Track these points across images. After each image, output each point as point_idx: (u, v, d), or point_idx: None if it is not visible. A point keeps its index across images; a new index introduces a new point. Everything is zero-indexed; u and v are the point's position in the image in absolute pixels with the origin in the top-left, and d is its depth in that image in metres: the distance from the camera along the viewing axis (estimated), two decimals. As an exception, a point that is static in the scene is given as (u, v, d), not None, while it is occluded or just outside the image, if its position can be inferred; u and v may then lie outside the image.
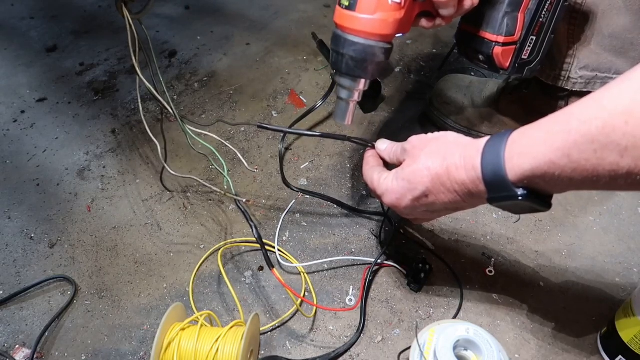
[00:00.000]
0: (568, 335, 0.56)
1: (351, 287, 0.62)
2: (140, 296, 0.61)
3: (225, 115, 0.91)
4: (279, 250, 0.66)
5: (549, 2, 0.56)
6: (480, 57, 0.60)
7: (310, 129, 0.87)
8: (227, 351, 0.48)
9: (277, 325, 0.58)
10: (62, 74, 1.04)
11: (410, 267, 0.62)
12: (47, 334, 0.57)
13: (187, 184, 0.77)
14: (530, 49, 0.59)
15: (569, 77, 0.69)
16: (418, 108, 0.91)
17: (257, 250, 0.66)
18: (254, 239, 0.59)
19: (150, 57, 0.59)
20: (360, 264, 0.65)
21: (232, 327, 0.50)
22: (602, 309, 0.59)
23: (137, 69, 0.56)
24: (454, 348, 0.45)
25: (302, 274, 0.63)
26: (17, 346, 0.56)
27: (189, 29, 1.19)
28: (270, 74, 1.02)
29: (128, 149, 0.84)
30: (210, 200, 0.74)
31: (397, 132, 0.87)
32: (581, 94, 0.70)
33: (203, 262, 0.65)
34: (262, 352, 0.56)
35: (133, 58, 0.56)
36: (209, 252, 0.66)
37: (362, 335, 0.57)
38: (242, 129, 0.88)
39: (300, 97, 0.96)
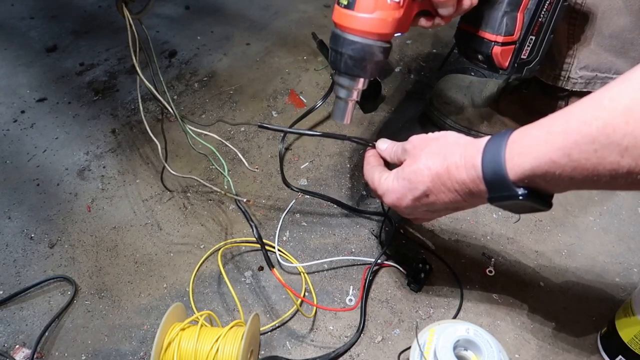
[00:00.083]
0: (568, 335, 0.56)
1: (351, 287, 0.62)
2: (140, 296, 0.61)
3: (225, 115, 0.91)
4: (279, 250, 0.66)
5: (548, 2, 0.56)
6: (480, 56, 0.60)
7: (310, 129, 0.87)
8: (227, 351, 0.48)
9: (277, 325, 0.58)
10: (62, 74, 1.04)
11: (410, 267, 0.62)
12: (47, 334, 0.57)
13: (187, 184, 0.77)
14: (529, 48, 0.59)
15: (569, 77, 0.69)
16: (418, 108, 0.91)
17: (257, 250, 0.66)
18: (254, 239, 0.59)
19: (151, 57, 0.59)
20: (360, 264, 0.65)
21: (232, 327, 0.50)
22: (602, 309, 0.59)
23: (138, 68, 0.56)
24: (454, 348, 0.45)
25: (302, 274, 0.63)
26: (17, 346, 0.56)
27: (189, 29, 1.19)
28: (270, 74, 1.02)
29: (128, 149, 0.84)
30: (211, 200, 0.74)
31: (397, 132, 0.87)
32: (581, 94, 0.70)
33: (203, 262, 0.65)
34: (262, 352, 0.56)
35: (133, 58, 0.56)
36: (209, 252, 0.66)
37: (362, 335, 0.57)
38: (242, 128, 0.88)
39: (300, 97, 0.96)
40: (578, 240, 0.67)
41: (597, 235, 0.68)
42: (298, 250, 0.67)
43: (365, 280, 0.61)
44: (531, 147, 0.36)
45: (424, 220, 0.67)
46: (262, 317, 0.59)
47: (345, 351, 0.55)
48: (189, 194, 0.75)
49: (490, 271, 0.64)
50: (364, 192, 0.75)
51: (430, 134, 0.49)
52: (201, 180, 0.70)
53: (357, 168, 0.79)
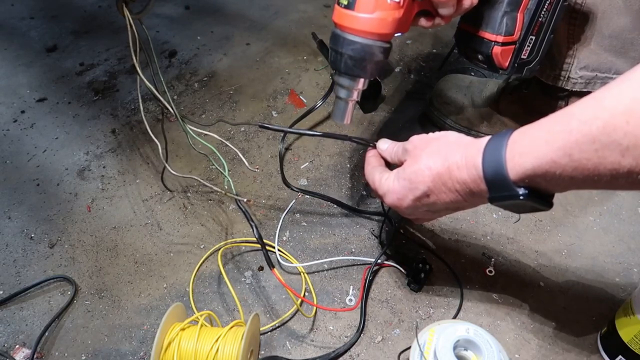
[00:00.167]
0: (568, 335, 0.56)
1: (351, 287, 0.62)
2: (140, 296, 0.61)
3: (225, 115, 0.91)
4: (279, 250, 0.66)
5: (548, 2, 0.56)
6: (480, 56, 0.60)
7: (310, 129, 0.87)
8: (227, 351, 0.48)
9: (277, 325, 0.58)
10: (62, 74, 1.04)
11: (410, 267, 0.62)
12: (47, 334, 0.57)
13: (188, 184, 0.77)
14: (529, 48, 0.59)
15: (569, 77, 0.69)
16: (418, 108, 0.91)
17: (257, 250, 0.66)
18: (254, 238, 0.59)
19: (151, 57, 0.59)
20: (360, 264, 0.65)
21: (232, 327, 0.50)
22: (602, 309, 0.59)
23: (138, 68, 0.56)
24: (454, 348, 0.45)
25: (302, 274, 0.63)
26: (17, 346, 0.56)
27: (189, 29, 1.19)
28: (270, 74, 1.02)
29: (128, 149, 0.84)
30: (211, 200, 0.74)
31: (397, 132, 0.87)
32: (581, 94, 0.70)
33: (203, 262, 0.65)
34: (262, 352, 0.55)
35: (133, 58, 0.56)
36: (209, 252, 0.66)
37: (362, 335, 0.57)
38: (242, 128, 0.88)
39: (300, 97, 0.96)
40: (578, 240, 0.67)
41: (597, 235, 0.68)
42: (298, 250, 0.67)
43: (365, 280, 0.61)
44: (532, 147, 0.36)
45: (425, 221, 0.67)
46: (262, 317, 0.59)
47: (345, 351, 0.55)
48: (189, 194, 0.75)
49: (490, 271, 0.64)
50: (364, 192, 0.75)
51: (430, 134, 0.49)
52: (201, 180, 0.70)
53: (357, 168, 0.79)
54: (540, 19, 0.57)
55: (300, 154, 0.82)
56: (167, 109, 0.60)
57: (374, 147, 0.57)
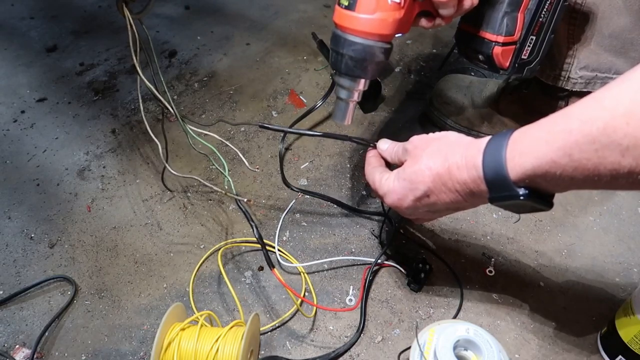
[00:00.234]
0: (568, 335, 0.56)
1: (351, 287, 0.62)
2: (140, 296, 0.61)
3: (225, 115, 0.91)
4: (279, 250, 0.66)
5: (548, 2, 0.56)
6: (480, 57, 0.60)
7: (310, 129, 0.87)
8: (227, 351, 0.48)
9: (277, 325, 0.58)
10: (62, 74, 1.04)
11: (410, 267, 0.62)
12: (47, 334, 0.57)
13: (188, 184, 0.77)
14: (530, 48, 0.59)
15: (569, 77, 0.69)
16: (418, 108, 0.91)
17: (257, 250, 0.66)
18: (254, 238, 0.59)
19: (151, 57, 0.59)
20: (360, 264, 0.65)
21: (232, 327, 0.50)
22: (602, 309, 0.59)
23: (138, 68, 0.56)
24: (454, 348, 0.45)
25: (302, 274, 0.63)
26: (17, 346, 0.56)
27: (189, 29, 1.19)
28: (270, 74, 1.02)
29: (128, 149, 0.84)
30: (211, 200, 0.74)
31: (397, 132, 0.87)
32: (581, 94, 0.70)
33: (203, 262, 0.65)
34: (262, 352, 0.55)
35: (134, 58, 0.56)
36: (209, 252, 0.66)
37: (362, 335, 0.57)
38: (242, 128, 0.88)
39: (300, 97, 0.96)
40: (578, 240, 0.68)
41: (597, 235, 0.68)
42: (298, 250, 0.67)
43: (365, 280, 0.61)
44: (532, 147, 0.36)
45: (425, 221, 0.67)
46: (262, 317, 0.59)
47: (345, 351, 0.55)
48: (189, 194, 0.75)
49: (490, 271, 0.64)
50: (364, 192, 0.75)
51: (431, 134, 0.49)
52: (201, 180, 0.70)
53: (357, 168, 0.79)
54: (540, 19, 0.57)
55: (300, 154, 0.82)
56: (167, 109, 0.60)
57: (374, 147, 0.57)
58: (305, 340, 0.57)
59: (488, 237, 0.68)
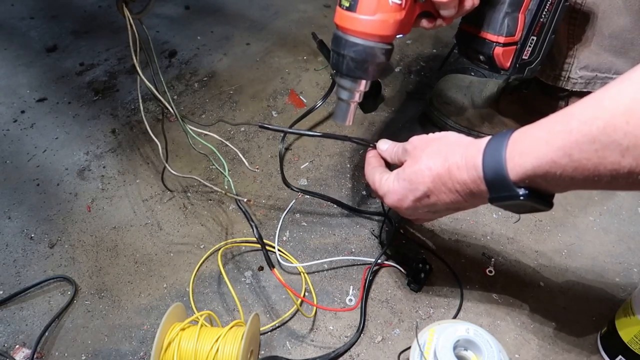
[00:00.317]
0: (568, 335, 0.56)
1: (351, 287, 0.62)
2: (140, 296, 0.61)
3: (225, 115, 0.91)
4: (279, 250, 0.66)
5: (549, 3, 0.56)
6: (481, 57, 0.60)
7: (310, 129, 0.87)
8: (227, 351, 0.48)
9: (277, 325, 0.58)
10: (62, 74, 1.04)
11: (410, 267, 0.62)
12: (47, 334, 0.57)
13: (188, 184, 0.77)
14: (530, 49, 0.59)
15: (569, 77, 0.69)
16: (418, 108, 0.91)
17: (257, 250, 0.66)
18: (254, 238, 0.59)
19: (151, 57, 0.59)
20: (360, 264, 0.65)
21: (232, 327, 0.50)
22: (602, 309, 0.59)
23: (138, 68, 0.56)
24: (454, 348, 0.45)
25: (302, 274, 0.63)
26: (17, 346, 0.56)
27: (189, 29, 1.19)
28: (270, 74, 1.02)
29: (128, 149, 0.84)
30: (211, 200, 0.74)
31: (398, 132, 0.87)
32: (581, 94, 0.70)
33: (203, 262, 0.65)
34: (262, 352, 0.56)
35: (134, 58, 0.56)
36: (209, 252, 0.66)
37: (362, 335, 0.57)
38: (242, 128, 0.88)
39: (300, 97, 0.96)
40: (578, 240, 0.68)
41: (597, 235, 0.68)
42: (298, 250, 0.67)
43: (365, 280, 0.61)
44: (532, 147, 0.36)
45: (425, 221, 0.67)
46: (262, 317, 0.59)
47: (345, 351, 0.55)
48: (189, 194, 0.75)
49: (490, 271, 0.64)
50: (364, 192, 0.75)
51: (430, 134, 0.49)
52: (201, 180, 0.70)
53: (357, 168, 0.79)
54: (541, 20, 0.57)
55: (300, 154, 0.82)
56: (167, 109, 0.60)
57: (374, 147, 0.57)
58: (305, 340, 0.57)
59: (488, 237, 0.68)
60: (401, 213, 0.51)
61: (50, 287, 0.63)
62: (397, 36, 0.50)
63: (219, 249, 0.65)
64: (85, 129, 0.89)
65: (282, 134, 0.83)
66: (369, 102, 0.72)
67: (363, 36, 0.49)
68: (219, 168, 0.78)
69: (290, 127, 0.83)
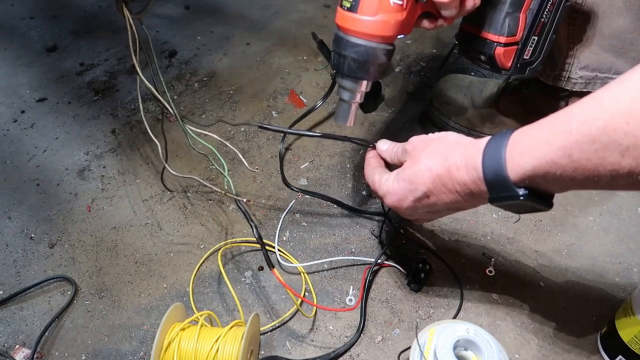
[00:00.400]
0: (568, 335, 0.56)
1: (351, 287, 0.62)
2: (140, 296, 0.61)
3: (225, 115, 0.91)
4: (279, 250, 0.66)
5: (550, 2, 0.56)
6: (482, 57, 0.60)
7: (310, 129, 0.87)
8: (227, 351, 0.48)
9: (277, 325, 0.58)
10: (62, 74, 1.04)
11: (410, 267, 0.62)
12: (47, 334, 0.57)
13: (188, 184, 0.77)
14: (532, 49, 0.59)
15: (569, 77, 0.69)
16: (418, 108, 0.91)
17: (257, 250, 0.66)
18: (254, 238, 0.59)
19: (151, 57, 0.59)
20: (360, 264, 0.65)
21: (232, 327, 0.50)
22: (602, 309, 0.59)
23: (138, 68, 0.56)
24: (454, 348, 0.45)
25: (302, 274, 0.63)
26: (17, 346, 0.56)
27: (189, 29, 1.19)
28: (270, 74, 1.02)
29: (128, 149, 0.84)
30: (211, 200, 0.74)
31: (398, 132, 0.87)
32: (581, 94, 0.70)
33: (203, 262, 0.65)
34: (262, 352, 0.56)
35: (133, 58, 0.56)
36: (209, 252, 0.66)
37: (362, 335, 0.57)
38: (242, 129, 0.88)
39: (300, 97, 0.96)
40: (578, 240, 0.68)
41: (597, 235, 0.68)
42: (298, 250, 0.67)
43: (365, 280, 0.61)
44: (532, 147, 0.36)
45: (425, 221, 0.67)
46: (262, 317, 0.59)
47: (345, 351, 0.55)
48: (189, 194, 0.75)
49: (490, 271, 0.64)
50: (364, 192, 0.75)
51: (430, 134, 0.49)
52: (201, 180, 0.70)
53: (357, 168, 0.79)
54: (542, 20, 0.57)
55: (300, 154, 0.82)
56: (167, 109, 0.60)
57: (374, 147, 0.57)
58: (305, 340, 0.57)
59: (488, 237, 0.68)
60: (401, 213, 0.51)
61: (50, 287, 0.63)
62: (398, 36, 0.50)
63: (219, 249, 0.65)
64: (85, 129, 0.89)
65: (282, 134, 0.82)
66: (369, 102, 0.72)
67: (364, 37, 0.49)
68: (218, 168, 0.78)
69: (290, 127, 0.83)
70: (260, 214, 0.72)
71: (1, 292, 0.62)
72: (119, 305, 0.60)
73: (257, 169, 0.80)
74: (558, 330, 0.57)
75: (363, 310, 0.58)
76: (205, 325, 0.51)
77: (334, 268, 0.64)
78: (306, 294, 0.61)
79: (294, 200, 0.73)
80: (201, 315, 0.51)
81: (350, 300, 0.61)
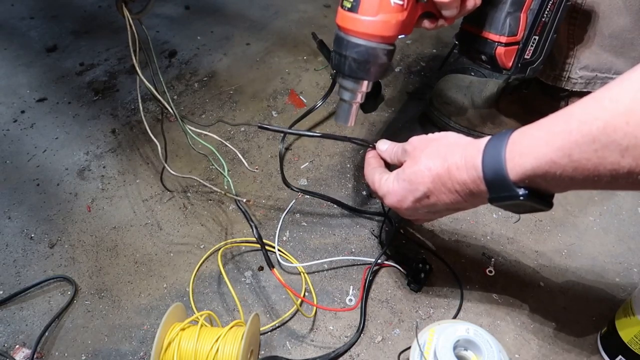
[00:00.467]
0: (568, 335, 0.56)
1: (351, 287, 0.62)
2: (140, 296, 0.61)
3: (225, 115, 0.91)
4: (279, 250, 0.66)
5: (551, 2, 0.56)
6: (483, 57, 0.60)
7: (310, 129, 0.87)
8: (227, 351, 0.48)
9: (277, 325, 0.58)
10: (62, 74, 1.04)
11: (410, 267, 0.62)
12: (47, 334, 0.57)
13: (187, 184, 0.77)
14: (532, 48, 0.59)
15: (569, 77, 0.69)
16: (418, 108, 0.91)
17: (257, 250, 0.66)
18: (254, 239, 0.59)
19: (151, 57, 0.59)
20: (360, 264, 0.65)
21: (232, 327, 0.50)
22: (602, 309, 0.59)
23: (138, 68, 0.56)
24: (454, 348, 0.45)
25: (302, 274, 0.63)
26: (17, 346, 0.56)
27: (189, 29, 1.19)
28: (270, 74, 1.02)
29: (128, 149, 0.84)
30: (211, 200, 0.74)
31: (398, 132, 0.87)
32: (581, 94, 0.70)
33: (203, 262, 0.65)
34: (262, 352, 0.55)
35: (133, 58, 0.56)
36: (209, 252, 0.66)
37: (362, 335, 0.57)
38: (242, 129, 0.88)
39: (300, 97, 0.96)
40: (578, 240, 0.68)
41: (597, 235, 0.68)
42: (298, 250, 0.67)
43: (365, 280, 0.61)
44: (531, 147, 0.36)
45: (425, 221, 0.67)
46: (262, 317, 0.59)
47: (345, 351, 0.55)
48: (189, 194, 0.75)
49: (490, 271, 0.64)
50: (364, 192, 0.75)
51: (430, 134, 0.49)
52: (201, 180, 0.70)
53: (357, 168, 0.79)
54: (543, 19, 0.57)
55: (300, 154, 0.82)
56: (167, 109, 0.60)
57: (374, 147, 0.57)
58: (305, 340, 0.57)
59: (488, 237, 0.68)
60: (401, 213, 0.51)
61: (50, 287, 0.63)
62: (399, 37, 0.50)
63: (219, 249, 0.65)
64: (85, 129, 0.89)
65: (282, 134, 0.82)
66: (369, 102, 0.72)
67: (365, 37, 0.49)
68: (218, 168, 0.78)
69: (290, 127, 0.83)
70: (260, 214, 0.72)
71: (1, 292, 0.62)
72: (119, 305, 0.60)
73: (257, 169, 0.80)
74: (558, 330, 0.57)
75: (363, 310, 0.58)
76: (205, 325, 0.51)
77: (334, 268, 0.64)
78: (306, 294, 0.61)
79: (294, 200, 0.73)
80: (201, 315, 0.51)
81: (350, 300, 0.61)
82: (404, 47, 1.10)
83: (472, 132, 0.82)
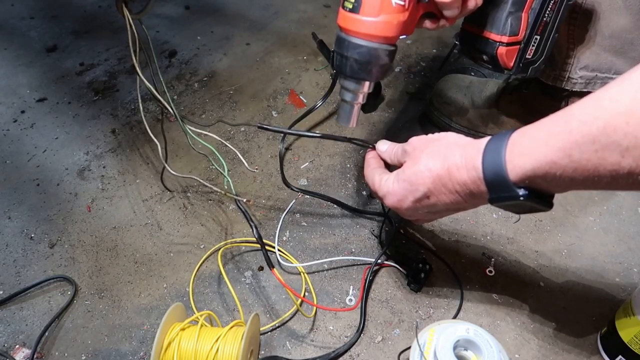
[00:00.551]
0: (568, 335, 0.56)
1: (351, 287, 0.62)
2: (140, 296, 0.61)
3: (225, 115, 0.91)
4: (279, 250, 0.66)
5: (552, 2, 0.56)
6: (484, 57, 0.60)
7: (310, 129, 0.87)
8: (227, 351, 0.48)
9: (277, 325, 0.58)
10: (62, 74, 1.04)
11: (410, 267, 0.62)
12: (47, 334, 0.57)
13: (187, 184, 0.77)
14: (534, 48, 0.59)
15: (569, 77, 0.69)
16: (418, 108, 0.91)
17: (257, 250, 0.66)
18: (254, 239, 0.59)
19: (151, 57, 0.59)
20: (360, 264, 0.65)
21: (232, 327, 0.50)
22: (602, 309, 0.59)
23: (138, 68, 0.56)
24: (454, 348, 0.45)
25: (302, 274, 0.63)
26: (17, 346, 0.56)
27: (189, 29, 1.19)
28: (270, 74, 1.02)
29: (128, 149, 0.84)
30: (211, 200, 0.74)
31: (398, 132, 0.87)
32: (581, 94, 0.70)
33: (203, 262, 0.65)
34: (262, 352, 0.55)
35: (133, 58, 0.56)
36: (209, 252, 0.66)
37: (362, 335, 0.57)
38: (242, 129, 0.88)
39: (300, 97, 0.96)
40: (578, 240, 0.68)
41: (597, 235, 0.68)
42: (298, 250, 0.67)
43: (365, 280, 0.61)
44: (531, 147, 0.36)
45: (425, 221, 0.67)
46: (262, 317, 0.59)
47: (345, 351, 0.55)
48: (189, 194, 0.75)
49: (490, 271, 0.64)
50: (364, 192, 0.75)
51: (430, 134, 0.49)
52: (201, 180, 0.70)
53: (357, 168, 0.79)
54: (544, 19, 0.57)
55: (300, 154, 0.82)
56: (167, 109, 0.60)
57: (373, 148, 0.57)
58: (305, 340, 0.57)
59: (488, 237, 0.68)
60: (401, 214, 0.51)
61: (50, 287, 0.63)
62: (401, 37, 0.50)
63: (219, 249, 0.65)
64: (85, 129, 0.89)
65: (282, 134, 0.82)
66: (369, 102, 0.72)
67: (366, 38, 0.49)
68: (218, 168, 0.78)
69: (290, 127, 0.83)
70: (260, 214, 0.72)
71: (1, 292, 0.62)
72: (119, 305, 0.60)
73: (257, 169, 0.79)
74: (558, 330, 0.57)
75: (363, 310, 0.58)
76: (205, 325, 0.51)
77: (334, 268, 0.64)
78: (306, 294, 0.61)
79: (294, 200, 0.73)
80: (201, 315, 0.51)
81: (350, 300, 0.61)
82: (405, 47, 1.10)
83: (472, 132, 0.82)
